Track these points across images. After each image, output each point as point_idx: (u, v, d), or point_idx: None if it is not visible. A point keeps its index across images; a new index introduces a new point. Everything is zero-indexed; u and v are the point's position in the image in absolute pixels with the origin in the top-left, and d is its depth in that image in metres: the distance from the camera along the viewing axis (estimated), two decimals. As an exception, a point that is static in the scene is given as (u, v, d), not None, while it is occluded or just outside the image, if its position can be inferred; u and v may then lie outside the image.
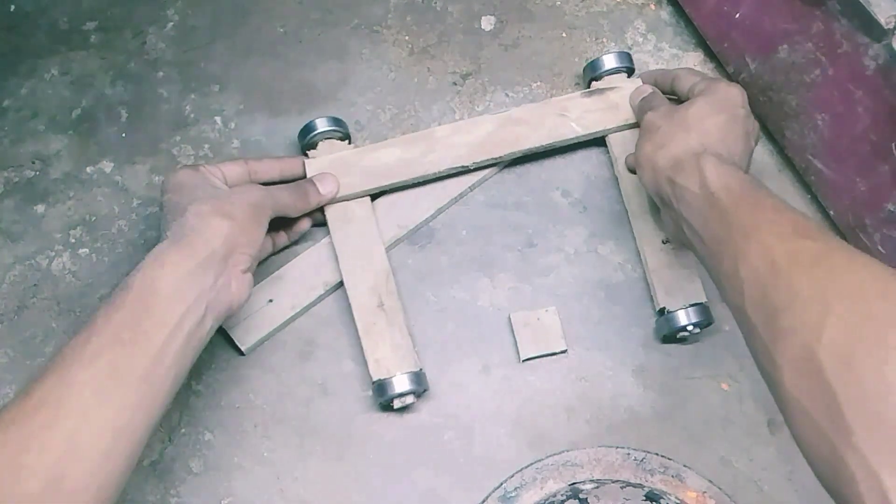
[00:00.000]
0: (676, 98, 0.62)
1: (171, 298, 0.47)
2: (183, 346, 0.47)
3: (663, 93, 0.63)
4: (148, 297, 0.47)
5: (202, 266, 0.49)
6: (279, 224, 0.62)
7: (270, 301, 0.62)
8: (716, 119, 0.54)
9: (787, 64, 0.61)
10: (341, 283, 0.62)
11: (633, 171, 0.63)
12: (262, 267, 0.63)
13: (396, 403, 0.58)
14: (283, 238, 0.64)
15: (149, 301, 0.46)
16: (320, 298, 0.63)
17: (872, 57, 0.54)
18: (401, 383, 0.57)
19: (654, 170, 0.54)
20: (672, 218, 0.54)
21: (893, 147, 0.55)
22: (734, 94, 0.56)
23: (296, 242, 0.65)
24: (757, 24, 0.62)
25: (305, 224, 0.64)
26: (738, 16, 0.64)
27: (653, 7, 0.73)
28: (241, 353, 0.61)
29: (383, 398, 0.58)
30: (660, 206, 0.56)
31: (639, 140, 0.57)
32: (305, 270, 0.63)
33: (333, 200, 0.63)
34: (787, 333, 0.39)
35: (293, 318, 0.62)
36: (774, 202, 0.47)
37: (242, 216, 0.53)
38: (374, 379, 0.58)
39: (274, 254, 0.64)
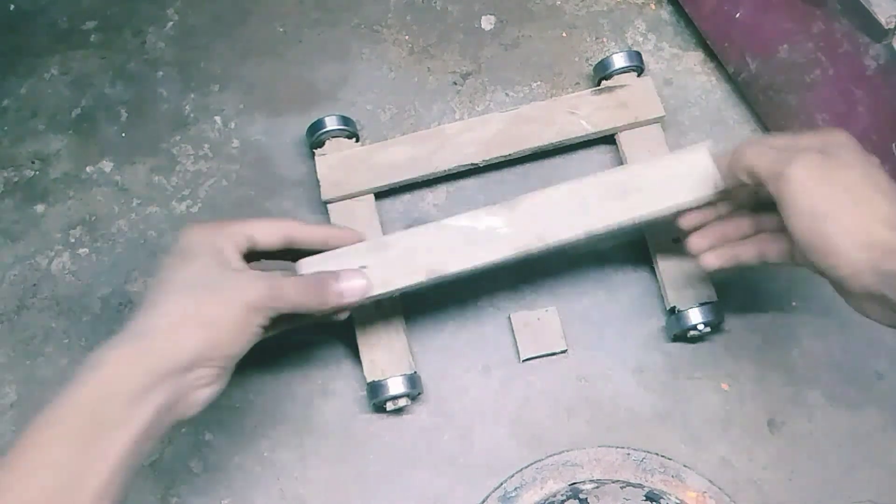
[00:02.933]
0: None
1: (120, 423, 0.41)
2: (130, 466, 0.42)
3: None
4: (99, 413, 0.41)
5: (157, 383, 0.42)
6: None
7: (363, 267, 0.53)
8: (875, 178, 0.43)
9: (787, 64, 0.61)
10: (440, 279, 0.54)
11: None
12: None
13: (389, 406, 0.58)
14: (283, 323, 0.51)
15: (101, 418, 0.41)
16: (418, 286, 0.54)
17: (873, 57, 0.54)
18: (395, 385, 0.57)
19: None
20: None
21: (893, 147, 0.55)
22: (843, 139, 0.45)
23: (297, 330, 0.54)
24: (757, 24, 0.62)
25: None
26: (738, 16, 0.64)
27: (653, 7, 0.73)
28: None
29: (377, 400, 0.58)
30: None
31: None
32: (412, 249, 0.54)
33: (337, 198, 0.63)
34: None
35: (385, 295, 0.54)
36: None
37: (228, 324, 0.45)
38: (369, 380, 0.58)
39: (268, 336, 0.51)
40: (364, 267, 0.52)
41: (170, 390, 0.43)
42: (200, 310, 0.44)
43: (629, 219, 0.53)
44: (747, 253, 0.52)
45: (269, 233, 0.50)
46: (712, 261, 0.53)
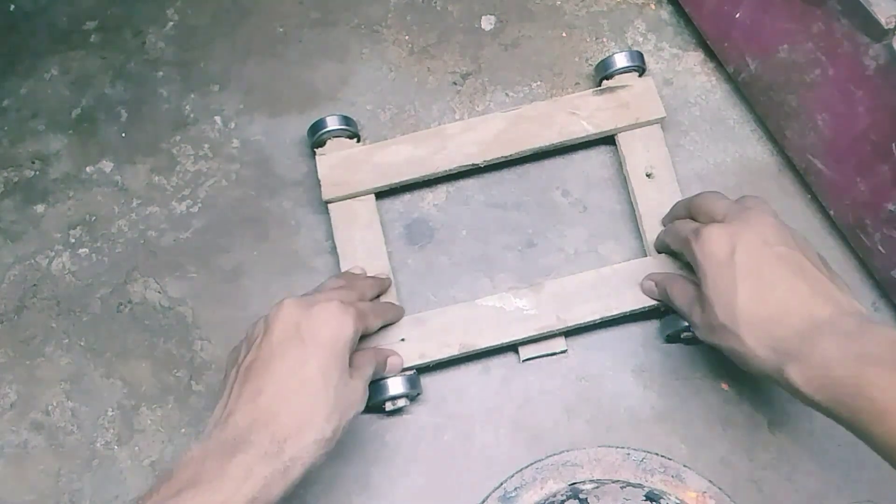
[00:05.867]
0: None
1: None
2: None
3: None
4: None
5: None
6: None
7: (402, 340, 0.59)
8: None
9: (787, 64, 0.61)
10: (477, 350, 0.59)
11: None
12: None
13: (388, 406, 0.58)
14: None
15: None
16: (451, 358, 0.60)
17: (872, 57, 0.54)
18: (394, 385, 0.57)
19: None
20: None
21: (893, 147, 0.55)
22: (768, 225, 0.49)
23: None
24: (757, 24, 0.62)
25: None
26: (738, 16, 0.64)
27: (653, 7, 0.73)
28: None
29: (376, 400, 0.58)
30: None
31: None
32: (446, 325, 0.59)
33: (337, 198, 0.63)
34: None
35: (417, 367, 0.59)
36: None
37: (336, 428, 0.47)
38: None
39: None
40: (403, 339, 0.58)
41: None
42: (315, 425, 0.47)
43: (640, 307, 0.59)
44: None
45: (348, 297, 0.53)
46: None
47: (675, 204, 0.60)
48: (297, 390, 0.46)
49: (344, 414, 0.48)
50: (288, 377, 0.46)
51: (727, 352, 0.49)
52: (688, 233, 0.51)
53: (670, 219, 0.59)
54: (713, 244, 0.48)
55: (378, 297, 0.60)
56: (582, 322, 0.59)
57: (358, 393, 0.50)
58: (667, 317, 0.60)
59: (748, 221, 0.49)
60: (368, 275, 0.60)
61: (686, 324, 0.58)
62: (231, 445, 0.44)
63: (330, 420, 0.46)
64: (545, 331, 0.59)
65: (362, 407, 0.51)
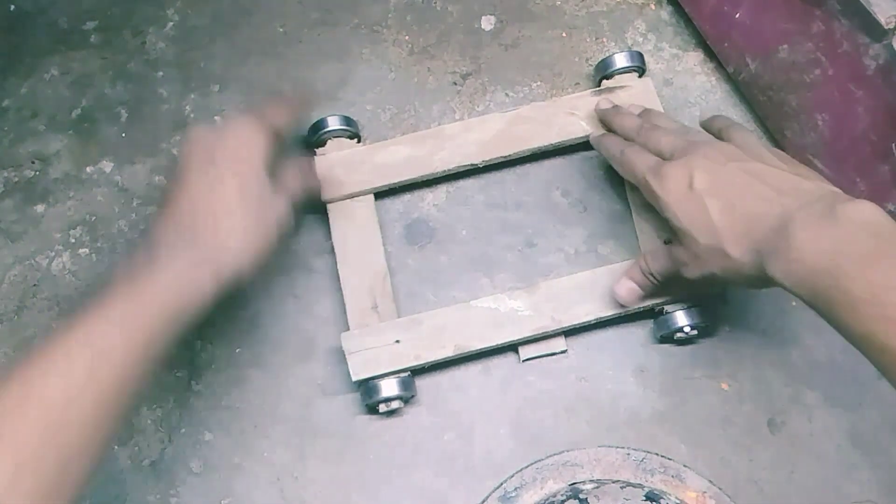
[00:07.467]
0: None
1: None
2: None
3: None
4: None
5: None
6: None
7: (397, 342, 0.58)
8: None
9: (787, 64, 0.61)
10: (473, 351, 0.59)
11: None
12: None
13: (382, 408, 0.58)
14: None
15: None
16: (447, 360, 0.59)
17: (872, 57, 0.54)
18: (387, 388, 0.57)
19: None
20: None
21: (893, 147, 0.55)
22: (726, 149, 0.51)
23: None
24: (757, 24, 0.62)
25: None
26: (738, 16, 0.64)
27: (653, 7, 0.73)
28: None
29: (369, 401, 0.58)
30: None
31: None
32: (442, 326, 0.59)
33: (336, 198, 0.63)
34: None
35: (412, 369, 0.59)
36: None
37: (261, 239, 0.50)
38: (361, 381, 0.58)
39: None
40: (398, 341, 0.58)
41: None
42: (218, 262, 0.49)
43: (636, 307, 0.59)
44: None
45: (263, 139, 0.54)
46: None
47: (618, 114, 0.61)
48: (215, 209, 0.49)
49: (269, 227, 0.50)
50: (203, 197, 0.49)
51: (720, 275, 0.50)
52: (644, 172, 0.53)
53: (619, 144, 0.59)
54: (671, 181, 0.51)
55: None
56: (577, 323, 0.59)
57: (281, 207, 0.52)
58: (660, 317, 0.60)
59: (697, 152, 0.51)
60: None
61: (680, 324, 0.58)
62: (155, 258, 0.47)
63: (251, 231, 0.49)
64: (540, 332, 0.59)
65: (290, 221, 0.53)
